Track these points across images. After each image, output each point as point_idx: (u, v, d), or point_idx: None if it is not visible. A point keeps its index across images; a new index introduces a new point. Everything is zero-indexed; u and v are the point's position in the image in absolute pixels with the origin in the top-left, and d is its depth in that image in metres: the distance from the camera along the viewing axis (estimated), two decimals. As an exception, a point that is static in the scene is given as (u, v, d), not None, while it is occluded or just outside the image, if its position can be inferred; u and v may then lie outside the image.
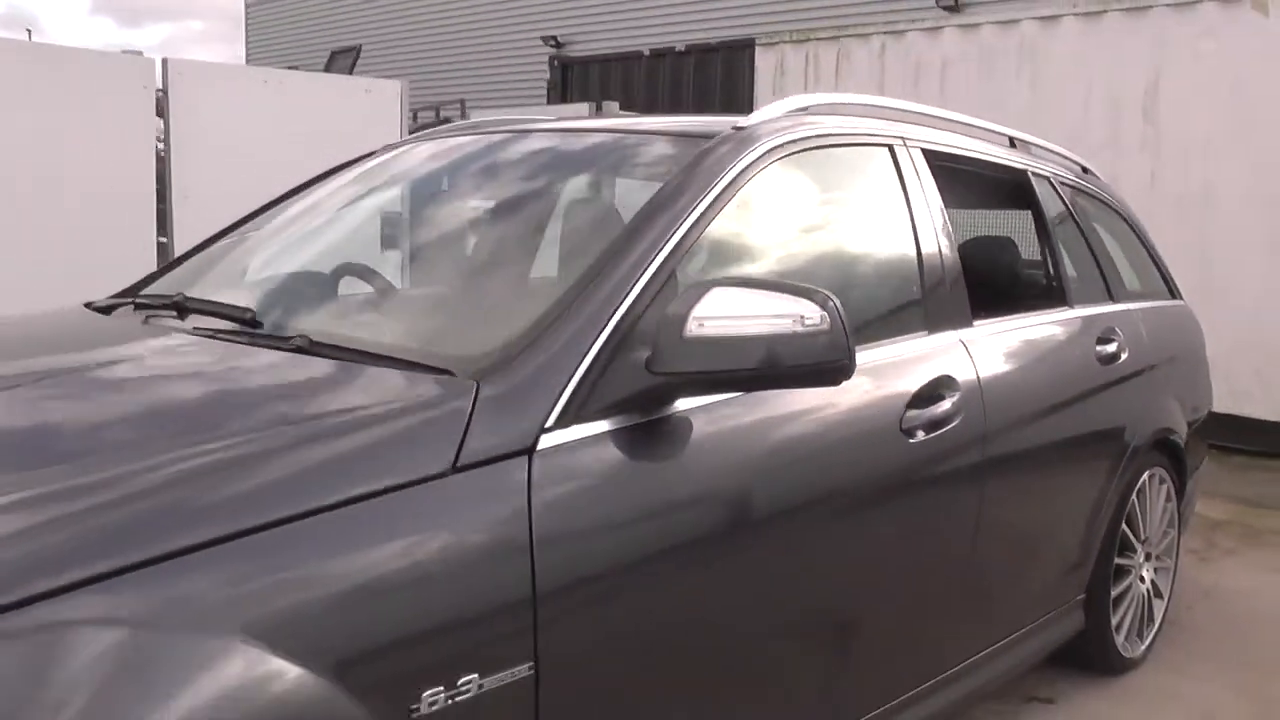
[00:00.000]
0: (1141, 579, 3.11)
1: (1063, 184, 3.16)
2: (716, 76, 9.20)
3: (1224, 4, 6.14)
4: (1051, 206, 3.04)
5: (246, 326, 1.79)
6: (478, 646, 1.32)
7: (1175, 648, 3.27)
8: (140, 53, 5.54)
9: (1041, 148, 3.23)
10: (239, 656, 1.10)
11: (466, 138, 2.48)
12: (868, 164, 2.31)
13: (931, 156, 2.47)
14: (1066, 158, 3.36)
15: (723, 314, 1.52)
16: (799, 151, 2.07)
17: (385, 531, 1.27)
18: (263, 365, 1.59)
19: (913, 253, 2.28)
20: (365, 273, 2.18)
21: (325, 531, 1.23)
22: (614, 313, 1.57)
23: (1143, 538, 3.07)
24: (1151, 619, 3.19)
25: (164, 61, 5.17)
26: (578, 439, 1.48)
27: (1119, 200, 3.59)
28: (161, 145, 5.24)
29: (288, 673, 1.12)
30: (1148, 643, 3.17)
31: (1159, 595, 3.23)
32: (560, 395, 1.48)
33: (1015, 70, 7.15)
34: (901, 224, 2.30)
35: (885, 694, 2.08)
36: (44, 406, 1.48)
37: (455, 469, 1.34)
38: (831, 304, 1.54)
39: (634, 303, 1.60)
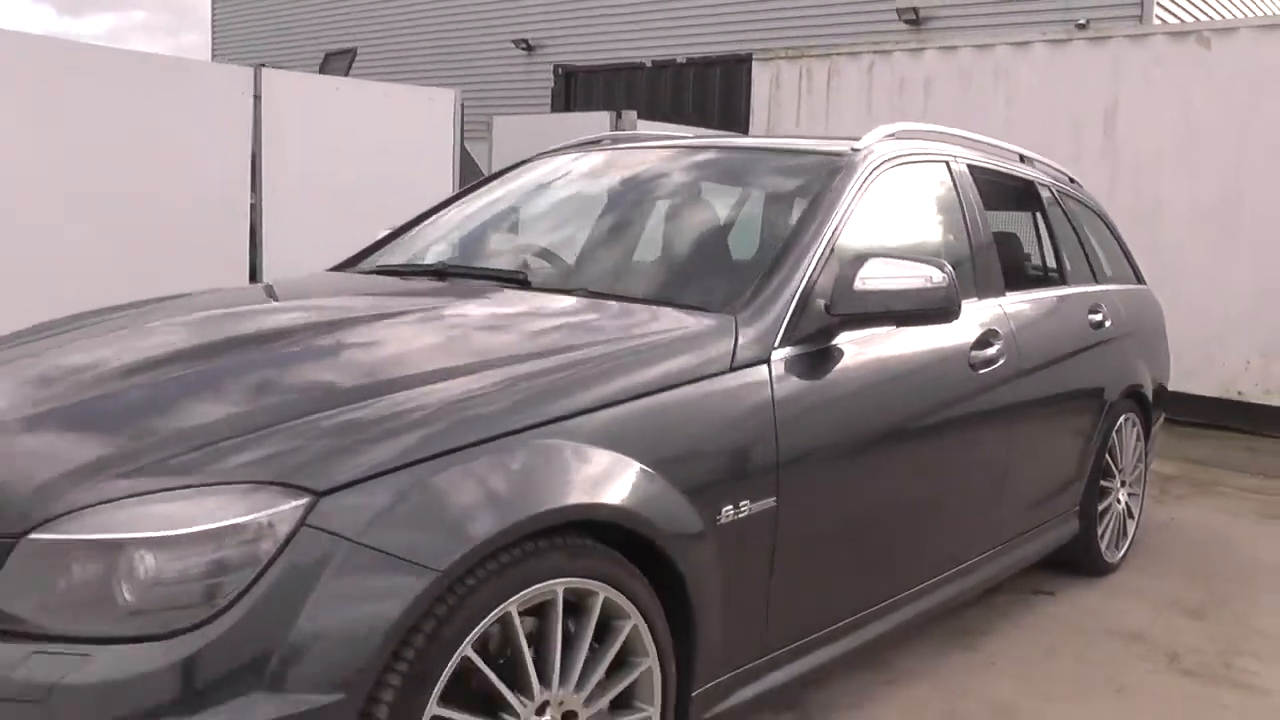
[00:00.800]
0: (1119, 500, 3.97)
1: (1059, 191, 4.02)
2: (715, 88, 10.00)
3: (1172, 37, 7.11)
4: (1051, 207, 3.90)
5: (519, 286, 2.55)
6: (748, 484, 2.10)
7: (1143, 559, 4.14)
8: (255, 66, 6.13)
9: (1043, 163, 4.09)
10: (590, 458, 1.82)
11: (630, 147, 3.27)
12: (932, 175, 3.13)
13: (972, 169, 3.31)
14: (1060, 170, 4.22)
15: (878, 275, 2.32)
16: (893, 166, 2.88)
17: (697, 405, 2.04)
18: (574, 307, 2.35)
19: (965, 239, 3.11)
20: (548, 254, 2.95)
21: (664, 403, 2.00)
22: (804, 275, 2.37)
23: (1120, 467, 3.93)
24: (1125, 534, 4.06)
25: (257, 70, 5.83)
26: (788, 356, 2.27)
27: (1098, 204, 4.46)
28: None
29: (656, 481, 1.89)
30: (1123, 552, 4.03)
31: (1131, 516, 4.10)
32: (780, 327, 2.27)
33: (991, 89, 8.05)
34: (957, 218, 3.12)
35: (973, 549, 2.94)
36: (439, 338, 2.19)
37: (731, 369, 2.13)
38: (948, 269, 2.36)
39: (814, 269, 2.40)
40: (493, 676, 1.64)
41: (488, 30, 16.84)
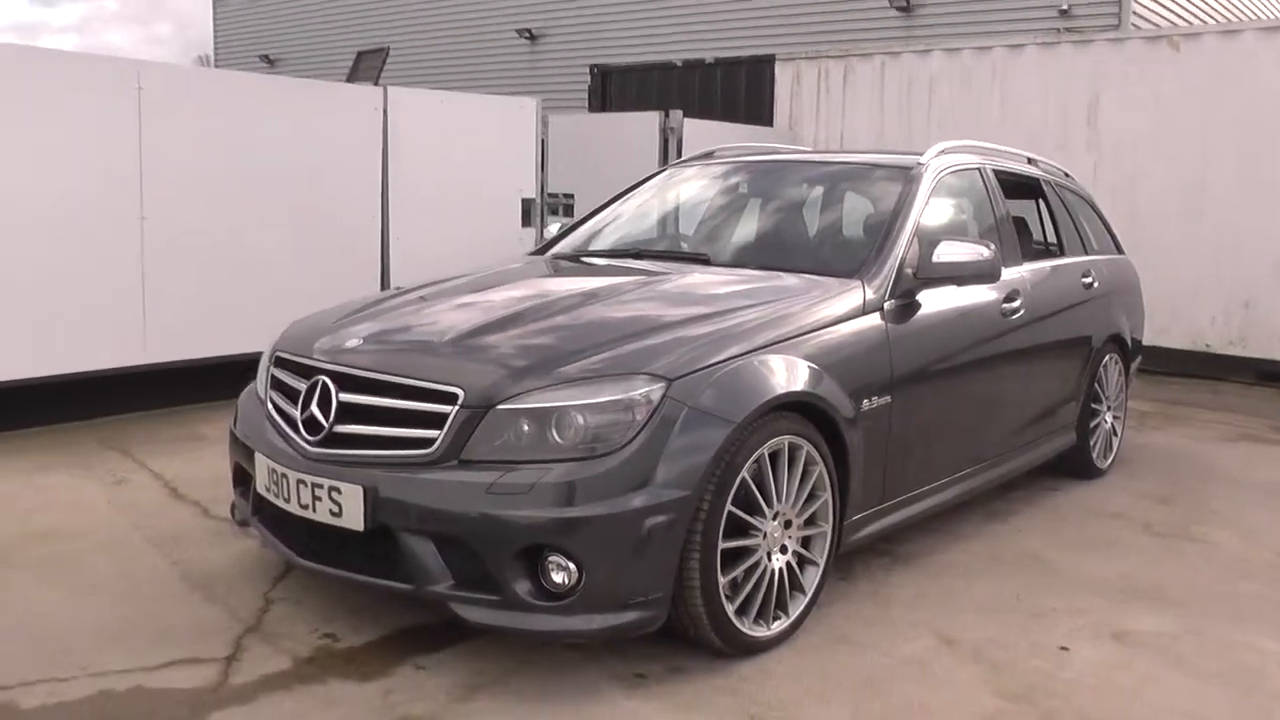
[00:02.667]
0: (1105, 420, 5.20)
1: (1057, 184, 5.23)
2: (741, 86, 11.14)
3: (1147, 41, 8.31)
4: (1052, 197, 5.11)
5: (702, 263, 3.74)
6: (876, 386, 3.29)
7: (1125, 468, 5.38)
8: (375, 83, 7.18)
9: (1045, 163, 5.29)
10: (798, 365, 3.01)
11: (745, 160, 4.46)
12: (971, 178, 4.33)
13: (996, 173, 4.51)
14: (1058, 168, 5.42)
15: (948, 252, 3.52)
16: (946, 173, 4.09)
17: (849, 336, 3.22)
18: (752, 275, 3.54)
19: (994, 224, 4.31)
20: (711, 239, 4.14)
21: (833, 334, 3.18)
22: (899, 252, 3.57)
23: (1105, 394, 5.16)
24: (1111, 448, 5.29)
25: (385, 88, 6.95)
26: (892, 305, 3.47)
27: (1088, 193, 5.67)
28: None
29: (832, 382, 3.08)
30: (1109, 461, 5.27)
31: (1115, 434, 5.33)
32: (887, 286, 3.47)
33: (989, 86, 9.24)
34: (987, 209, 4.33)
35: (1005, 446, 4.17)
36: (681, 295, 3.38)
37: (864, 314, 3.33)
38: (994, 247, 3.56)
39: (905, 247, 3.60)
40: (755, 491, 2.85)
41: (492, 20, 17.97)
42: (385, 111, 6.88)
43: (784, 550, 3.00)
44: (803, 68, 10.48)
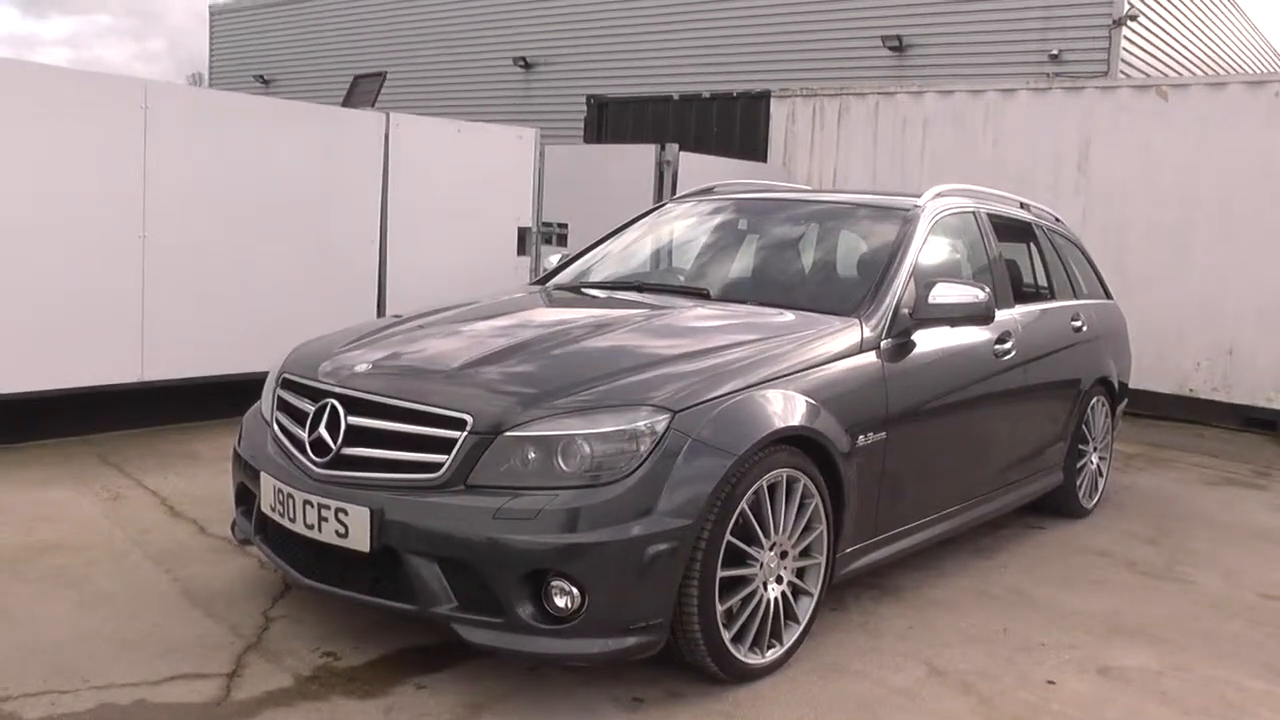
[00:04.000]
0: (1092, 461, 5.29)
1: (1048, 229, 5.35)
2: (737, 121, 11.31)
3: (1136, 90, 8.51)
4: (1043, 241, 5.22)
5: (702, 298, 3.83)
6: (872, 422, 3.37)
7: (1109, 508, 5.47)
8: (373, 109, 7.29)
9: (1037, 207, 5.42)
10: (796, 400, 3.09)
11: (742, 196, 4.56)
12: (966, 221, 4.44)
13: (990, 216, 4.63)
14: (1048, 212, 5.55)
15: (944, 294, 3.62)
16: (942, 216, 4.20)
17: (847, 373, 3.30)
18: (752, 310, 3.63)
19: (987, 266, 4.42)
20: (709, 275, 4.23)
21: (831, 370, 3.26)
22: (896, 292, 3.66)
23: (1092, 436, 5.26)
24: (1096, 488, 5.38)
25: (388, 114, 7.05)
26: (889, 345, 3.56)
27: (1077, 237, 5.80)
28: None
29: (830, 418, 3.16)
30: (1095, 501, 5.36)
31: (1101, 475, 5.43)
32: (884, 326, 3.56)
33: (982, 128, 9.41)
34: (980, 251, 4.43)
35: (994, 484, 4.24)
36: (684, 329, 3.46)
37: (860, 352, 3.41)
38: (987, 290, 3.66)
39: (901, 288, 3.69)
40: (754, 521, 2.92)
41: (488, 47, 18.20)
42: (387, 137, 6.98)
43: (779, 580, 3.06)
44: (798, 105, 10.65)
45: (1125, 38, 13.25)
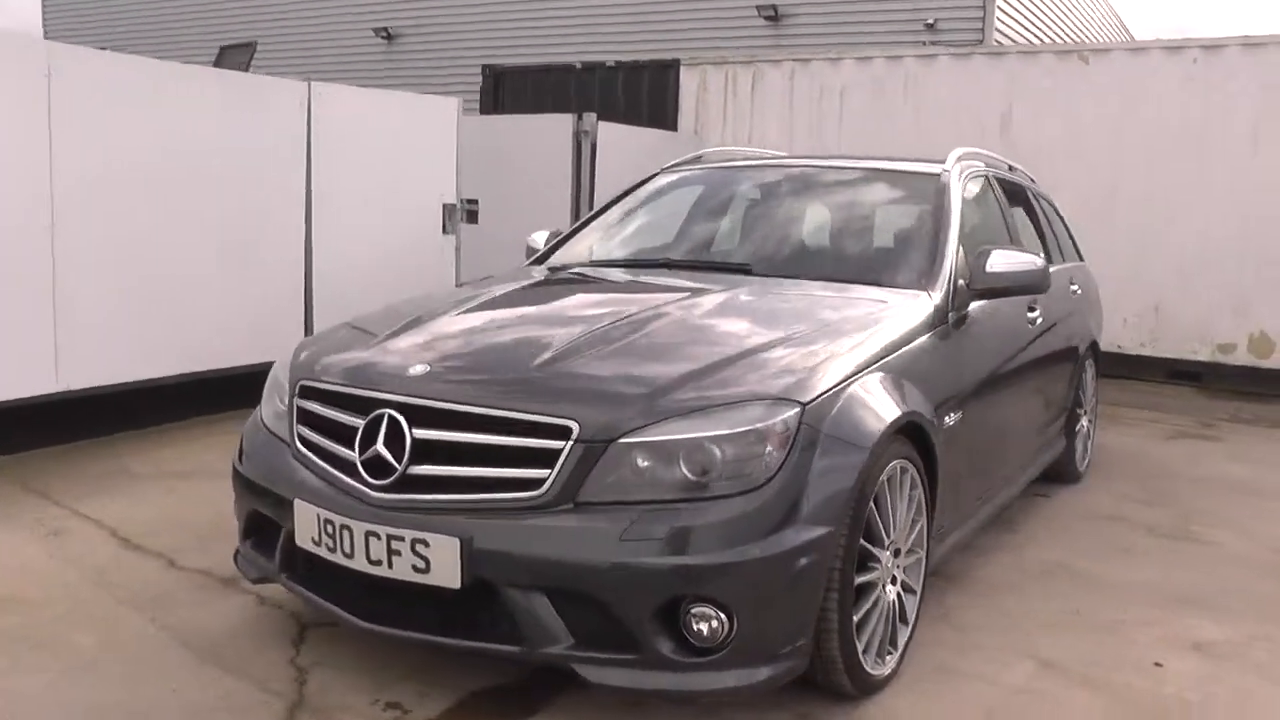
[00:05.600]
0: (1084, 424, 5.25)
1: (1036, 191, 5.24)
2: (644, 90, 10.94)
3: (1058, 55, 8.59)
4: (1034, 204, 5.11)
5: (744, 274, 3.50)
6: (952, 402, 3.12)
7: (1094, 470, 5.45)
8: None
9: (1019, 169, 5.30)
10: (904, 384, 2.82)
11: (745, 165, 4.24)
12: (983, 186, 4.25)
13: (999, 179, 4.45)
14: (1027, 174, 5.45)
15: (1000, 262, 3.39)
16: (966, 179, 3.97)
17: (930, 350, 3.04)
18: (812, 287, 3.31)
19: (1004, 228, 4.23)
20: (740, 248, 3.91)
21: (919, 346, 3.00)
22: (951, 262, 3.42)
23: (1086, 399, 5.20)
24: (1088, 451, 5.35)
25: (309, 83, 6.41)
26: (954, 317, 3.32)
27: (1050, 197, 5.73)
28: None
29: (919, 393, 2.89)
30: (1085, 464, 5.32)
31: (1090, 437, 5.39)
32: (949, 297, 3.31)
33: (902, 96, 9.35)
34: (997, 213, 4.24)
35: (1031, 454, 4.10)
36: (758, 310, 3.11)
37: (933, 325, 3.15)
38: (1043, 258, 3.46)
39: (954, 257, 3.45)
40: (877, 520, 2.63)
41: (346, 17, 17.31)
42: (309, 108, 6.36)
43: (894, 580, 2.79)
44: (709, 73, 10.39)
45: (999, 7, 13.57)
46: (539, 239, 4.36)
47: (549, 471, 2.36)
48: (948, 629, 3.27)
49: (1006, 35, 13.57)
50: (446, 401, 2.51)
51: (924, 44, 12.42)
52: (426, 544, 2.37)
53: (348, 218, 6.59)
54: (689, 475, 2.34)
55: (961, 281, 3.42)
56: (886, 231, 3.80)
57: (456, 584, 2.36)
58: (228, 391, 5.73)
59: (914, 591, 2.92)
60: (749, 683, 2.33)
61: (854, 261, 3.66)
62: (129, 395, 5.31)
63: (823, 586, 2.41)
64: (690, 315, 2.98)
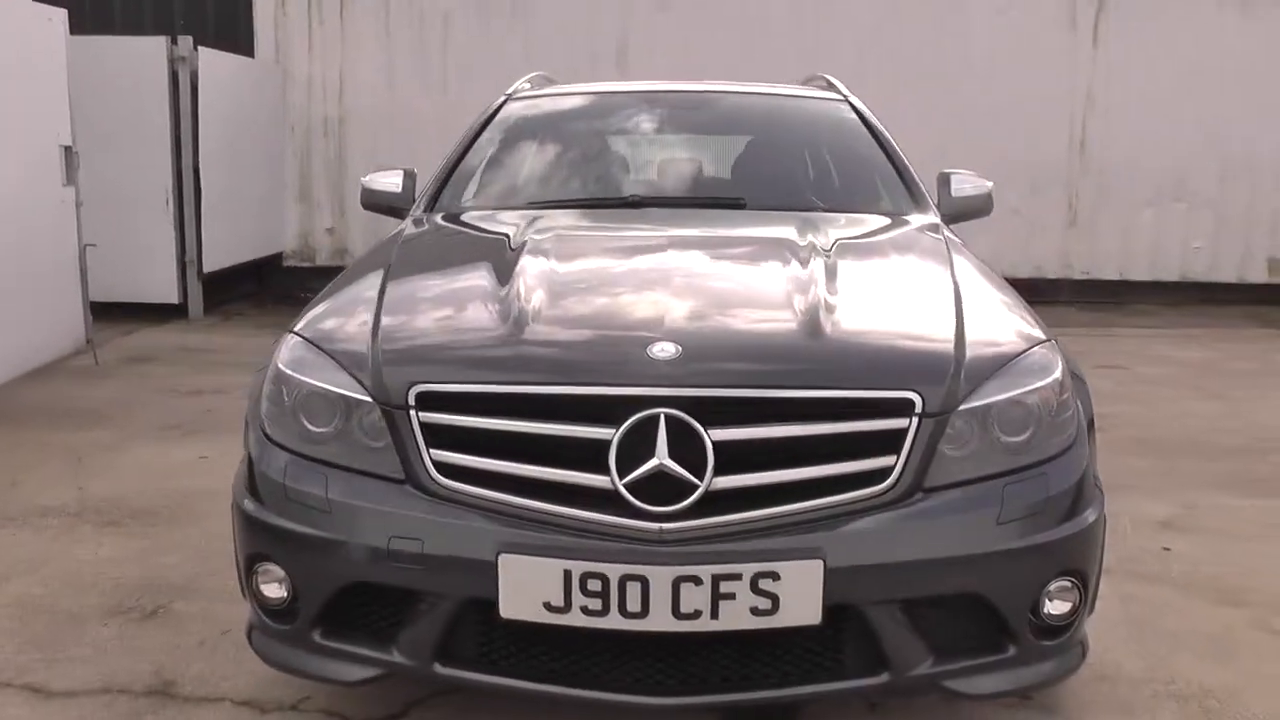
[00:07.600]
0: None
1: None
2: (209, 5, 9.20)
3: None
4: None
5: (737, 209, 3.15)
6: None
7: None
8: None
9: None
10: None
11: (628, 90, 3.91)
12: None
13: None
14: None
15: (963, 185, 3.40)
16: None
17: (980, 275, 2.98)
18: (822, 216, 3.02)
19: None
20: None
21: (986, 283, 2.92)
22: (923, 188, 3.38)
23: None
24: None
25: None
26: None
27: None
28: None
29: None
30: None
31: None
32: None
33: (509, 23, 8.97)
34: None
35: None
36: (869, 247, 2.82)
37: (957, 251, 3.05)
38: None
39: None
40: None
41: None
42: None
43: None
44: (289, -7, 9.08)
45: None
46: (390, 181, 3.49)
47: (894, 458, 1.92)
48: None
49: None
50: (747, 388, 1.92)
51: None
52: (776, 576, 1.82)
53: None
54: (1017, 438, 2.06)
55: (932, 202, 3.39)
56: (843, 158, 3.58)
57: (817, 618, 1.85)
58: None
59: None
60: (1077, 663, 2.14)
61: (846, 191, 3.42)
62: None
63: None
64: (833, 263, 2.47)
